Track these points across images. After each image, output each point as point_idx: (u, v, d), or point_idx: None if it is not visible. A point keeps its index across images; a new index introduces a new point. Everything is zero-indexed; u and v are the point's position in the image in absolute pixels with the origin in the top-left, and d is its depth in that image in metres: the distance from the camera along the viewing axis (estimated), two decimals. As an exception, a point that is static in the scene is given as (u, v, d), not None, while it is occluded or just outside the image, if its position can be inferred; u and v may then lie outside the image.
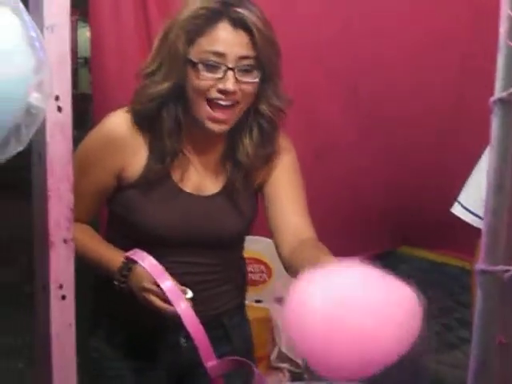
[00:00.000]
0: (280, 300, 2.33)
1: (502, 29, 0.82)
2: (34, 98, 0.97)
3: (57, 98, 1.09)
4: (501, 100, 0.81)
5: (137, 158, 1.72)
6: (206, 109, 1.64)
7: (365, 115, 3.01)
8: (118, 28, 2.78)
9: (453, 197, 2.00)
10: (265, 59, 1.65)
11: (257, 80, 1.66)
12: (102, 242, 1.78)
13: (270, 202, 1.79)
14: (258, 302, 2.92)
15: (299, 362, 2.72)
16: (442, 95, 2.94)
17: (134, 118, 1.71)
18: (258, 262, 2.92)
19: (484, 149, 1.78)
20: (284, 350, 2.73)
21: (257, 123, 1.74)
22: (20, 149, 0.98)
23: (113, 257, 1.69)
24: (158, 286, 1.58)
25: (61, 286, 1.13)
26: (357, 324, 1.09)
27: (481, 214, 1.80)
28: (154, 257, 1.62)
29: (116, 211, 1.78)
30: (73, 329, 1.15)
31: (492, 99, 0.82)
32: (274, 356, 2.77)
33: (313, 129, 2.97)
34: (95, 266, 1.74)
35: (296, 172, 1.82)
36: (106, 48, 2.80)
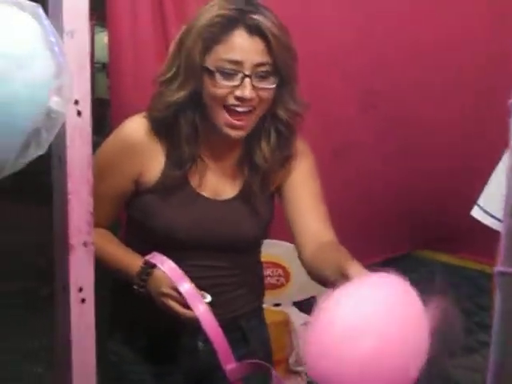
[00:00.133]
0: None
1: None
2: (54, 102, 0.98)
3: (76, 103, 1.10)
4: (519, 102, 0.80)
5: (154, 163, 1.73)
6: (224, 115, 1.65)
7: (382, 117, 2.99)
8: (136, 33, 2.78)
9: (472, 200, 1.99)
10: (281, 65, 1.65)
11: (274, 86, 1.66)
12: (121, 246, 1.78)
13: (289, 205, 1.79)
14: (276, 305, 2.92)
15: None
16: (461, 97, 2.92)
17: (151, 124, 1.72)
18: (276, 265, 2.92)
19: (504, 151, 1.77)
20: (302, 353, 2.73)
21: (274, 128, 1.75)
22: (40, 153, 0.99)
23: (132, 261, 1.70)
24: (177, 290, 1.59)
25: (80, 289, 1.13)
26: (370, 353, 1.09)
27: (500, 216, 1.79)
28: (172, 260, 1.63)
29: (134, 216, 1.79)
30: (93, 332, 1.16)
31: (511, 101, 0.82)
32: (292, 360, 2.77)
33: (329, 131, 2.96)
34: (114, 271, 1.75)
35: (314, 175, 1.82)
36: (124, 53, 2.81)
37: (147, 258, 1.66)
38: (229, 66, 1.62)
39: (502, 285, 0.85)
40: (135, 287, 1.67)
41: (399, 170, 3.04)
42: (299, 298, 2.97)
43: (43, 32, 0.97)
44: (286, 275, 2.93)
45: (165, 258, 1.64)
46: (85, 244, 1.13)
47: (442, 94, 2.92)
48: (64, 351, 1.17)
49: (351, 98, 2.99)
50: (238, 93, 1.62)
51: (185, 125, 1.70)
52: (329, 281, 1.53)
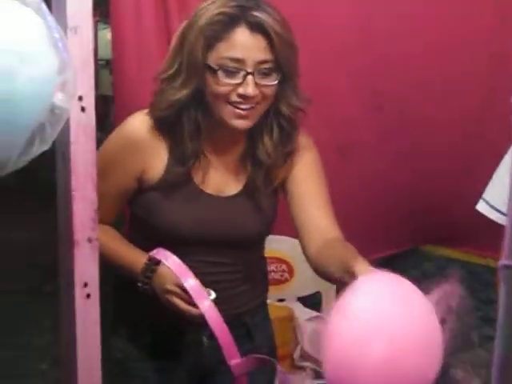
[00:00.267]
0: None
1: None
2: (58, 98, 0.98)
3: (80, 99, 1.10)
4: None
5: (157, 160, 1.73)
6: (229, 108, 1.64)
7: (386, 117, 2.99)
8: (139, 29, 2.78)
9: (476, 195, 1.99)
10: (283, 61, 1.64)
11: (276, 82, 1.66)
12: (125, 242, 1.78)
13: (293, 200, 1.79)
14: (280, 300, 2.92)
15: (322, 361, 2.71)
16: (462, 97, 2.92)
17: (153, 122, 1.72)
18: (280, 261, 2.92)
19: (509, 147, 1.77)
20: (307, 348, 2.73)
21: (277, 123, 1.74)
22: (44, 149, 0.99)
23: (136, 258, 1.70)
24: (181, 287, 1.59)
25: (85, 285, 1.14)
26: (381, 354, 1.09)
27: (505, 210, 1.79)
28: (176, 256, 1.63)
29: (137, 213, 1.79)
30: (98, 327, 1.16)
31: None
32: (297, 355, 2.77)
33: (334, 130, 2.97)
34: (118, 267, 1.75)
35: (318, 169, 1.81)
36: (128, 49, 2.81)
37: (151, 253, 1.66)
38: (231, 64, 1.61)
39: (507, 278, 0.85)
40: (139, 284, 1.67)
41: (403, 167, 3.03)
42: (303, 293, 2.97)
43: (47, 28, 0.98)
44: (290, 270, 2.93)
45: (169, 253, 1.64)
46: (89, 240, 1.13)
47: (444, 94, 2.91)
48: (69, 346, 1.17)
49: (356, 98, 2.99)
50: (240, 90, 1.62)
51: (187, 122, 1.69)
52: (334, 277, 1.54)
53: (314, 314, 2.82)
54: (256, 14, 1.61)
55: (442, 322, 1.15)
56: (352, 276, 1.35)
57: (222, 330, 1.53)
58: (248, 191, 1.78)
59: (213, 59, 1.63)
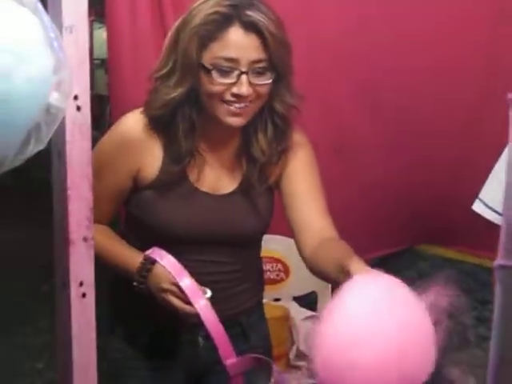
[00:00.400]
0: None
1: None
2: (54, 97, 0.98)
3: (76, 98, 1.10)
4: (518, 96, 0.81)
5: (152, 159, 1.73)
6: (223, 107, 1.65)
7: (384, 119, 3.00)
8: (135, 29, 2.78)
9: (470, 195, 2.00)
10: (277, 60, 1.64)
11: (270, 81, 1.66)
12: (121, 242, 1.78)
13: (288, 199, 1.79)
14: (276, 300, 2.92)
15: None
16: (465, 99, 2.93)
17: (148, 120, 1.72)
18: (276, 260, 2.92)
19: (505, 147, 1.77)
20: (302, 348, 2.73)
21: (271, 120, 1.75)
22: (40, 148, 0.99)
23: (131, 258, 1.70)
24: (177, 286, 1.59)
25: (81, 284, 1.13)
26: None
27: (501, 210, 1.79)
28: (171, 255, 1.63)
29: (133, 212, 1.79)
30: (93, 326, 1.16)
31: (510, 96, 0.82)
32: (292, 354, 2.77)
33: (332, 132, 2.98)
34: (113, 267, 1.75)
35: (312, 165, 1.81)
36: (123, 49, 2.81)
37: (147, 253, 1.66)
38: (225, 64, 1.61)
39: (503, 278, 0.85)
40: (135, 284, 1.67)
41: (399, 166, 3.04)
42: (299, 292, 2.97)
43: (43, 27, 0.97)
44: (286, 270, 2.93)
45: (164, 252, 1.64)
46: (85, 239, 1.13)
47: (442, 97, 2.92)
48: (64, 346, 1.17)
49: (352, 96, 3.00)
50: (234, 90, 1.62)
51: (182, 120, 1.69)
52: (330, 277, 1.54)
53: (310, 313, 2.82)
54: (250, 13, 1.61)
55: (436, 323, 1.15)
56: (347, 275, 1.35)
57: (218, 330, 1.53)
58: (243, 189, 1.78)
59: (207, 59, 1.63)
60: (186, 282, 1.58)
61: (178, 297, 1.60)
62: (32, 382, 3.55)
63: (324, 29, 2.85)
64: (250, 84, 1.62)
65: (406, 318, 1.12)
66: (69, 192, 1.11)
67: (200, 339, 1.77)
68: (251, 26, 1.61)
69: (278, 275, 2.94)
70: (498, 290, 0.86)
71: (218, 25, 1.61)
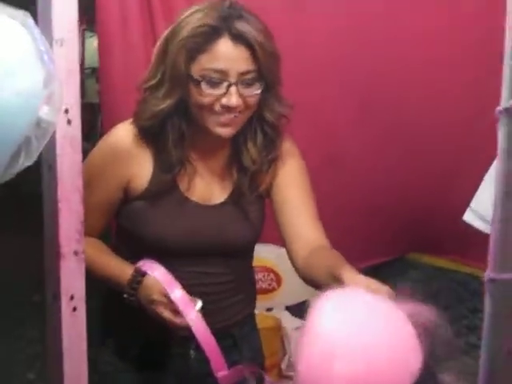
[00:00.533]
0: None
1: (507, 41, 0.83)
2: (44, 111, 0.98)
3: (66, 111, 1.10)
4: (506, 110, 0.81)
5: (143, 169, 1.73)
6: (213, 118, 1.65)
7: (376, 129, 3.01)
8: (125, 37, 2.79)
9: (461, 204, 2.00)
10: (266, 71, 1.65)
11: (259, 92, 1.66)
12: (111, 255, 1.77)
13: (279, 206, 1.79)
14: (268, 310, 2.92)
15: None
16: (457, 107, 2.94)
17: (138, 131, 1.72)
18: (268, 270, 2.91)
19: (495, 158, 1.77)
20: (295, 358, 2.72)
21: (260, 129, 1.75)
22: (30, 162, 0.98)
23: (122, 270, 1.70)
24: (168, 297, 1.59)
25: (72, 298, 1.13)
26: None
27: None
28: (163, 267, 1.63)
29: (123, 224, 1.79)
30: (84, 340, 1.16)
31: (498, 109, 0.82)
32: (284, 365, 2.77)
33: (324, 141, 2.98)
34: (104, 280, 1.74)
35: (302, 173, 1.82)
36: (114, 58, 2.81)
37: (138, 265, 1.66)
38: (214, 75, 1.61)
39: (492, 291, 0.85)
40: (125, 296, 1.67)
41: (390, 178, 3.05)
42: (291, 302, 2.96)
43: (33, 41, 0.97)
44: (278, 279, 2.92)
45: (155, 264, 1.64)
46: (75, 253, 1.13)
47: (433, 105, 2.93)
48: (56, 358, 1.16)
49: (346, 107, 3.00)
50: (224, 101, 1.62)
51: (171, 130, 1.70)
52: (323, 286, 1.54)
53: (302, 323, 2.81)
54: (238, 25, 1.61)
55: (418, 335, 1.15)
56: (340, 283, 1.36)
57: (209, 342, 1.53)
58: (234, 198, 1.78)
59: (196, 70, 1.63)
60: (177, 294, 1.58)
61: (168, 309, 1.59)
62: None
63: (313, 37, 2.86)
64: (240, 95, 1.62)
65: (381, 331, 1.12)
66: (59, 205, 1.11)
67: (191, 351, 1.77)
68: (240, 38, 1.61)
69: (270, 285, 2.94)
70: (487, 303, 0.86)
71: (206, 37, 1.61)
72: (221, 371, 1.54)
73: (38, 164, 1.07)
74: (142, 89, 1.71)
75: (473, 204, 1.97)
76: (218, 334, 1.58)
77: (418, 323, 1.14)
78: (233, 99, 1.61)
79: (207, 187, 1.78)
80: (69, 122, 1.10)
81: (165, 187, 1.72)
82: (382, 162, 3.04)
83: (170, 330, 1.62)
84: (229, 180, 1.79)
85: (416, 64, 2.91)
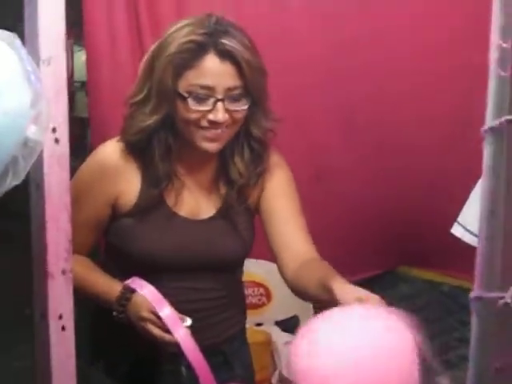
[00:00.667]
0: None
1: (492, 58, 0.83)
2: (32, 131, 0.98)
3: (54, 130, 1.10)
4: (492, 129, 0.82)
5: (131, 185, 1.73)
6: (200, 132, 1.65)
7: (363, 142, 3.01)
8: (114, 51, 2.79)
9: (450, 217, 2.01)
10: (252, 87, 1.66)
11: (246, 107, 1.67)
12: (100, 273, 1.77)
13: (267, 218, 1.80)
14: (258, 325, 2.91)
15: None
16: (444, 121, 2.94)
17: (125, 147, 1.72)
18: (257, 285, 2.91)
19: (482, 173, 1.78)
20: (285, 372, 2.72)
21: (247, 143, 1.76)
22: (18, 182, 0.98)
23: (110, 287, 1.69)
24: (156, 314, 1.58)
25: (60, 317, 1.13)
26: None
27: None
28: (152, 285, 1.62)
29: (112, 241, 1.78)
30: (73, 359, 1.15)
31: (483, 128, 0.83)
32: (275, 379, 2.76)
33: (312, 155, 2.99)
34: (94, 298, 1.74)
35: (290, 185, 1.82)
36: (102, 71, 2.81)
37: (126, 282, 1.66)
38: (201, 91, 1.62)
39: (479, 310, 0.85)
40: (115, 313, 1.66)
41: (379, 192, 3.05)
42: (281, 317, 2.96)
43: (20, 61, 0.97)
44: (268, 294, 2.92)
45: (144, 282, 1.63)
46: (63, 272, 1.12)
47: (422, 115, 2.93)
48: (44, 377, 1.16)
49: (334, 124, 3.01)
50: (210, 117, 1.63)
51: (158, 145, 1.70)
52: (313, 297, 1.54)
53: (292, 337, 2.81)
54: (225, 41, 1.62)
55: None
56: (330, 294, 1.36)
57: (198, 360, 1.52)
58: (223, 213, 1.78)
59: (182, 86, 1.63)
60: (166, 312, 1.57)
61: (157, 326, 1.59)
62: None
63: (300, 51, 2.86)
64: (226, 110, 1.63)
65: (381, 347, 1.12)
66: (47, 224, 1.11)
67: (183, 369, 1.74)
68: (226, 54, 1.62)
69: (259, 300, 2.93)
70: (474, 321, 0.86)
71: (193, 53, 1.62)
72: (210, 388, 1.53)
73: (25, 183, 1.07)
74: (128, 104, 1.72)
75: (460, 217, 1.98)
76: (208, 350, 1.58)
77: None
78: (219, 115, 1.62)
79: (195, 202, 1.78)
80: (56, 140, 1.10)
81: (152, 202, 1.72)
82: (369, 177, 3.04)
83: (159, 348, 1.62)
84: (216, 194, 1.80)
85: (405, 78, 2.91)
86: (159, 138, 1.69)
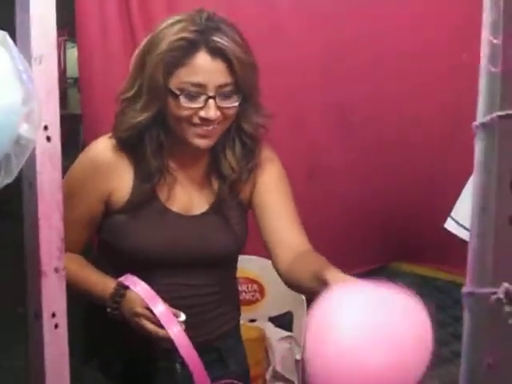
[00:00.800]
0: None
1: (483, 53, 0.83)
2: (24, 129, 0.98)
3: (45, 128, 1.10)
4: (483, 125, 0.82)
5: (123, 181, 1.73)
6: (191, 129, 1.66)
7: (356, 141, 3.02)
8: (106, 48, 2.78)
9: (443, 212, 2.02)
10: (244, 83, 1.66)
11: (237, 104, 1.67)
12: (93, 270, 1.77)
13: (260, 212, 1.80)
14: (251, 321, 2.91)
15: (294, 381, 2.72)
16: (437, 119, 2.95)
17: (116, 144, 1.72)
18: (251, 281, 2.91)
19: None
20: (279, 368, 2.72)
21: (239, 139, 1.76)
22: (10, 180, 0.98)
23: (104, 285, 1.69)
24: (150, 310, 1.59)
25: (53, 315, 1.13)
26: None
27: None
28: (146, 281, 1.62)
29: (105, 239, 1.78)
30: (67, 357, 1.15)
31: (475, 124, 0.83)
32: (269, 375, 2.76)
33: (304, 154, 2.98)
34: (87, 295, 1.74)
35: (282, 179, 1.83)
36: (94, 68, 2.81)
37: (120, 279, 1.66)
38: (192, 89, 1.62)
39: (471, 305, 0.86)
40: (108, 310, 1.66)
41: (372, 187, 3.05)
42: (275, 313, 2.96)
43: (11, 60, 0.97)
44: (261, 290, 2.92)
45: (137, 279, 1.63)
46: (56, 270, 1.12)
47: (416, 113, 2.94)
48: (38, 376, 1.16)
49: (333, 122, 3.01)
50: (202, 113, 1.63)
51: (150, 141, 1.70)
52: (307, 290, 1.54)
53: (286, 333, 2.81)
54: (216, 38, 1.62)
55: None
56: (324, 284, 1.36)
57: (192, 356, 1.53)
58: (216, 208, 1.79)
59: (174, 84, 1.63)
60: (160, 309, 1.57)
61: (151, 320, 1.59)
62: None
63: (294, 49, 2.86)
64: (218, 107, 1.63)
65: (400, 319, 1.11)
66: (40, 222, 1.11)
67: (177, 366, 1.74)
68: (218, 52, 1.62)
69: (253, 296, 2.93)
70: (466, 316, 0.86)
71: (184, 51, 1.61)
72: (204, 385, 1.53)
73: (18, 181, 1.07)
74: (119, 100, 1.72)
75: (453, 212, 1.99)
76: (202, 347, 1.58)
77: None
78: (211, 112, 1.62)
79: (188, 197, 1.78)
80: (48, 138, 1.10)
81: (145, 197, 1.73)
82: (362, 173, 3.04)
83: (154, 344, 1.62)
84: (209, 189, 1.80)
85: (404, 77, 2.91)
86: (151, 134, 1.70)
